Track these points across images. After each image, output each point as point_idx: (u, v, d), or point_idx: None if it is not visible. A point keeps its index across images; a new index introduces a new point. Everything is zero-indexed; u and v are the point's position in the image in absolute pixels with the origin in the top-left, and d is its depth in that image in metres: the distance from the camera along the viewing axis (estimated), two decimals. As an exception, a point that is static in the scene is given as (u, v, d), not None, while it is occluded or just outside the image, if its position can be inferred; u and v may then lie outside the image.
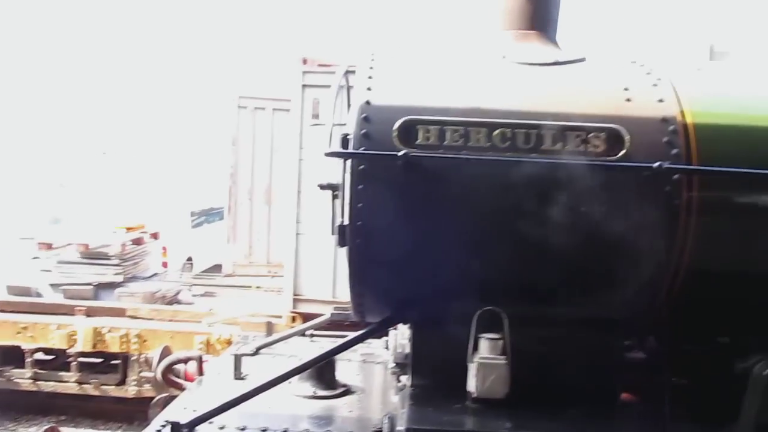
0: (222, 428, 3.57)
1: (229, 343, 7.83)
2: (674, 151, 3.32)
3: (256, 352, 4.88)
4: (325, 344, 4.90)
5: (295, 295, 7.99)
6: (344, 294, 7.28)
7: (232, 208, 10.28)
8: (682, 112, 3.42)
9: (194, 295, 10.87)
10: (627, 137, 3.27)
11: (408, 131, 3.25)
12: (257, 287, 11.26)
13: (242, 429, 3.60)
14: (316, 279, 7.91)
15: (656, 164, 3.19)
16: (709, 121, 3.47)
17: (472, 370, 3.30)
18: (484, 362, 3.25)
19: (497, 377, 3.22)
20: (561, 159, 3.23)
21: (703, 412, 3.38)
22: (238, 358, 4.52)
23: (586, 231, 3.30)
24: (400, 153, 3.16)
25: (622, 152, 3.26)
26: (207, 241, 16.22)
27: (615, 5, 18.94)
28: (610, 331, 3.61)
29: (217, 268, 13.47)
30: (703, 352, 3.62)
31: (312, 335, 5.31)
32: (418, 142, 3.24)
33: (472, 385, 3.29)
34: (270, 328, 5.58)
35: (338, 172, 3.50)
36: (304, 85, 7.96)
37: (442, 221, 3.28)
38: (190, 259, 16.15)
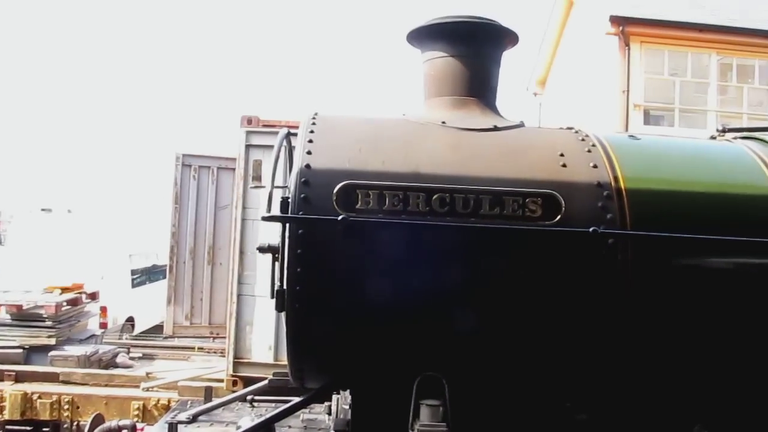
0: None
1: (167, 408, 7.56)
2: (609, 215, 3.40)
3: (192, 420, 4.72)
4: (265, 410, 4.78)
5: (236, 358, 7.79)
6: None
7: (173, 267, 10.03)
8: (615, 178, 3.52)
9: (132, 358, 10.48)
10: (563, 202, 3.33)
11: (347, 195, 3.25)
12: (199, 349, 10.96)
13: (174, 503, 3.44)
14: (258, 342, 7.75)
15: (591, 229, 3.25)
16: (642, 186, 3.58)
17: (413, 437, 3.23)
18: (425, 429, 3.19)
19: (438, 445, 3.16)
20: (499, 224, 3.27)
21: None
22: (173, 427, 4.35)
23: (524, 295, 3.33)
24: (340, 217, 3.15)
25: (559, 217, 3.32)
26: (149, 300, 15.82)
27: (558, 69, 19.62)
28: (552, 393, 3.60)
29: (159, 329, 13.08)
30: (645, 415, 3.63)
31: (252, 401, 5.17)
32: (357, 206, 3.24)
33: (413, 453, 3.22)
34: (209, 394, 5.39)
35: (279, 235, 3.46)
36: (248, 145, 7.94)
37: (381, 286, 3.25)
38: (131, 319, 15.69)
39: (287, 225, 3.28)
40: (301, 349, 3.42)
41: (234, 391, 6.44)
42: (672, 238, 3.39)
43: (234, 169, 8.73)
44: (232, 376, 7.84)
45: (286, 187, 3.75)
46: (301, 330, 3.32)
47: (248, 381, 7.08)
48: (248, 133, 7.99)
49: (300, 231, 3.22)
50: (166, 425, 4.40)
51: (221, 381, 7.90)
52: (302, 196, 3.27)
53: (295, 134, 3.69)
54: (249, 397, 5.08)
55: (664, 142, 4.53)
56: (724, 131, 4.42)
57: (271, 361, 7.68)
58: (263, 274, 7.46)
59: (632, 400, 3.65)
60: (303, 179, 3.30)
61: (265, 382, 4.82)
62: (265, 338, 7.75)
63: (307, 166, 3.34)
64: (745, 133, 4.35)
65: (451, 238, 3.25)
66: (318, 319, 3.28)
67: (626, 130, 12.96)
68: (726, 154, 4.03)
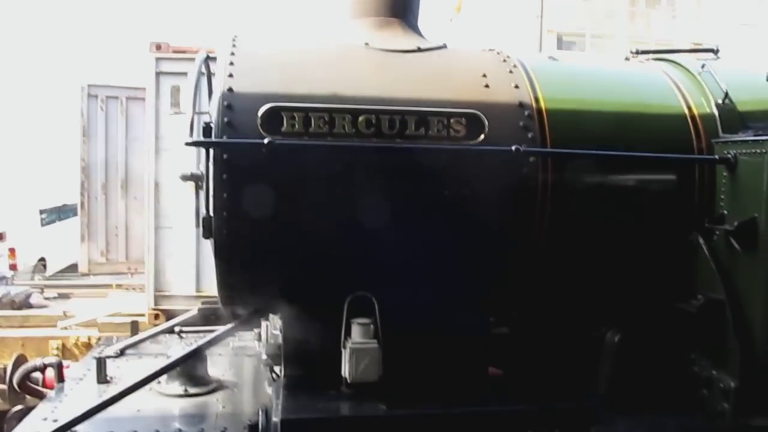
0: (87, 436, 3.37)
1: (88, 346, 7.40)
2: (530, 134, 3.48)
3: (120, 354, 4.66)
4: (194, 340, 4.76)
5: (156, 291, 7.66)
6: (209, 288, 7.07)
7: (85, 203, 9.68)
8: (536, 98, 3.59)
9: (47, 298, 10.14)
10: (486, 122, 3.39)
11: (272, 119, 3.19)
12: (117, 286, 10.72)
13: (109, 435, 3.42)
14: (179, 274, 7.63)
15: (513, 148, 3.33)
16: (562, 106, 3.67)
17: (345, 355, 3.31)
18: (357, 347, 3.27)
19: (370, 361, 3.25)
20: (424, 144, 3.30)
21: (562, 378, 3.58)
22: (101, 361, 4.29)
23: (449, 213, 3.40)
24: (265, 141, 3.10)
25: (482, 136, 3.38)
26: (60, 239, 15.28)
27: None
28: (475, 309, 3.73)
29: (73, 268, 12.69)
30: (560, 325, 3.82)
31: (180, 332, 5.13)
32: (283, 129, 3.19)
33: (345, 370, 3.31)
34: (135, 327, 5.31)
35: (201, 162, 3.39)
36: (158, 73, 7.61)
37: (308, 208, 3.25)
38: (42, 259, 15.15)
39: (211, 150, 3.20)
40: (230, 276, 3.40)
41: (156, 325, 6.36)
42: (590, 155, 3.52)
43: (144, 99, 8.39)
44: (153, 309, 7.73)
45: (207, 113, 3.65)
46: (230, 256, 3.30)
47: (170, 314, 7.00)
48: (158, 59, 7.65)
49: (225, 156, 3.15)
50: (94, 360, 4.33)
51: (142, 315, 7.78)
52: (225, 120, 3.19)
53: (214, 59, 3.57)
54: (177, 329, 5.04)
55: (581, 64, 4.63)
56: (637, 53, 4.55)
57: (193, 293, 7.60)
58: (181, 204, 7.31)
59: (551, 311, 3.83)
60: (226, 103, 3.21)
61: (194, 312, 4.79)
62: (186, 270, 7.64)
63: (230, 89, 3.25)
64: (657, 55, 4.50)
65: (378, 159, 3.26)
66: (246, 244, 3.26)
67: (540, 55, 13.15)
68: (640, 74, 4.16)
